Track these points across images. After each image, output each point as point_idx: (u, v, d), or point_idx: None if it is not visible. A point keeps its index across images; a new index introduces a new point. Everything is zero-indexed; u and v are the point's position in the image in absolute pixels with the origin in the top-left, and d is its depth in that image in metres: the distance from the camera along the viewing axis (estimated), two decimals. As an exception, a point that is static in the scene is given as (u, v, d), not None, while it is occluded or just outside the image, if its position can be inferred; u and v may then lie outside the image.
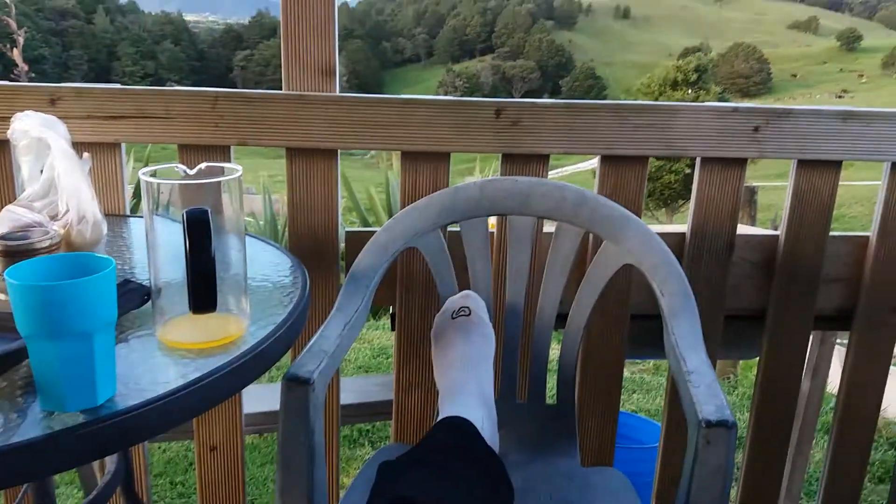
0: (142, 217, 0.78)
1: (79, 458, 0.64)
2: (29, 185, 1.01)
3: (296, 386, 0.92)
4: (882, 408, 1.56)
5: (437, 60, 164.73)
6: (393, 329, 1.45)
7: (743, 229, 1.47)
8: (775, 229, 1.52)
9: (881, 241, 1.45)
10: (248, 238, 0.89)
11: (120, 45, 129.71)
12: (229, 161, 1.34)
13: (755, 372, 1.55)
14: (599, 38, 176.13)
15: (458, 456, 0.94)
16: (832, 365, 1.76)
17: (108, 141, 1.32)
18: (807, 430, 1.73)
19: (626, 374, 2.18)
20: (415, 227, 1.23)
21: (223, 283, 0.76)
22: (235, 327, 0.81)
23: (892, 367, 1.54)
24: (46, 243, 0.83)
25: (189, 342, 0.78)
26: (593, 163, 1.53)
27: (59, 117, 1.06)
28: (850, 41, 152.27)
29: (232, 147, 1.34)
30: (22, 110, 1.04)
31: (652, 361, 3.42)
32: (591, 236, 1.38)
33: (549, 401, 1.28)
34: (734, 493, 1.58)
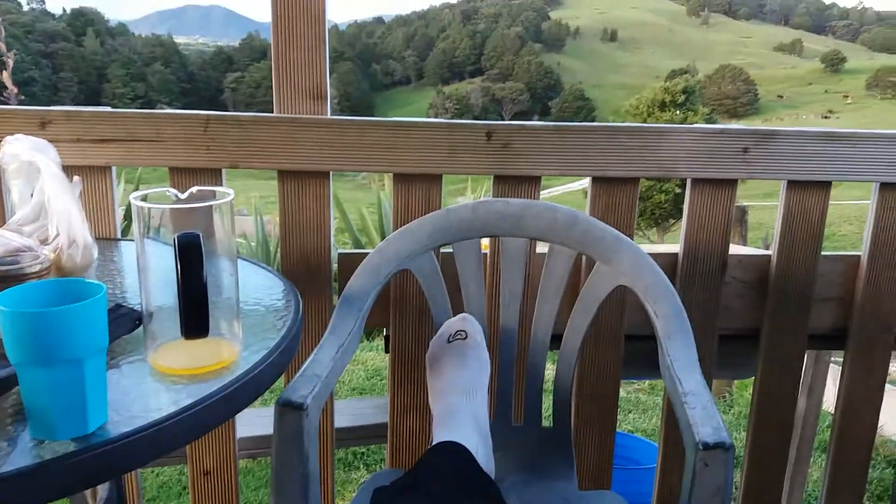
0: (133, 240, 0.77)
1: (70, 487, 0.63)
2: (19, 209, 1.00)
3: (289, 411, 0.90)
4: (879, 426, 1.56)
5: (426, 82, 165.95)
6: (387, 351, 1.44)
7: (735, 249, 1.48)
8: (767, 248, 1.52)
9: (872, 261, 1.46)
10: (240, 261, 0.89)
11: (110, 67, 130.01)
12: (221, 183, 1.34)
13: (751, 391, 1.54)
14: (587, 60, 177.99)
15: (453, 481, 0.92)
16: (827, 383, 1.76)
17: (98, 164, 1.31)
18: (804, 449, 1.72)
19: (621, 393, 2.17)
20: (407, 249, 1.22)
21: (215, 307, 0.76)
22: (228, 352, 0.80)
23: (887, 385, 1.54)
24: (37, 268, 0.82)
25: (181, 368, 0.77)
26: (584, 183, 1.53)
27: (49, 140, 1.05)
28: (835, 63, 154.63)
29: (223, 169, 1.34)
30: (12, 134, 1.04)
31: (647, 381, 3.42)
32: (584, 257, 1.38)
33: (545, 423, 1.27)
34: (731, 514, 1.57)
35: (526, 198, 1.37)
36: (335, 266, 1.40)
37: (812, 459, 2.04)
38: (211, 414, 0.71)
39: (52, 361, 0.60)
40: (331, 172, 1.35)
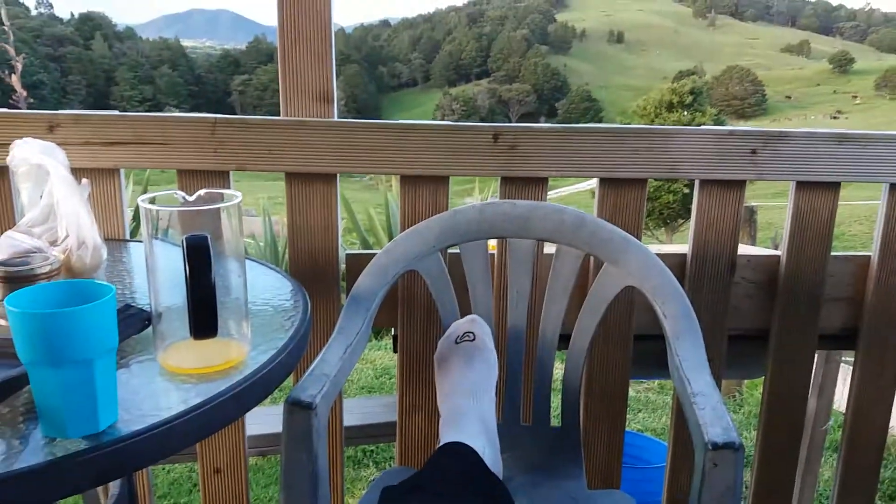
0: (141, 241, 0.77)
1: (81, 485, 0.63)
2: (28, 211, 1.00)
3: (298, 410, 0.91)
4: (890, 425, 1.56)
5: (433, 84, 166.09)
6: (395, 351, 1.45)
7: (744, 249, 1.47)
8: (776, 248, 1.52)
9: (882, 261, 1.45)
10: (248, 262, 0.89)
11: (118, 70, 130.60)
12: (228, 186, 1.34)
13: (761, 390, 1.54)
14: (594, 62, 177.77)
15: (461, 482, 0.92)
16: (837, 383, 1.75)
17: (106, 167, 1.32)
18: (815, 449, 1.71)
19: (631, 392, 2.17)
20: (415, 250, 1.23)
21: (224, 307, 0.76)
22: (236, 352, 0.80)
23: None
24: (46, 269, 0.83)
25: (190, 367, 0.77)
26: (592, 183, 1.53)
27: (58, 144, 1.06)
28: (843, 64, 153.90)
29: (231, 172, 1.34)
30: (21, 137, 1.04)
31: (657, 381, 3.41)
32: (591, 258, 1.38)
33: (553, 423, 1.27)
34: (741, 514, 1.56)
35: (533, 199, 1.37)
36: (343, 266, 1.40)
37: (823, 459, 2.03)
38: (220, 413, 0.71)
39: (63, 361, 0.60)
40: (338, 175, 1.35)
